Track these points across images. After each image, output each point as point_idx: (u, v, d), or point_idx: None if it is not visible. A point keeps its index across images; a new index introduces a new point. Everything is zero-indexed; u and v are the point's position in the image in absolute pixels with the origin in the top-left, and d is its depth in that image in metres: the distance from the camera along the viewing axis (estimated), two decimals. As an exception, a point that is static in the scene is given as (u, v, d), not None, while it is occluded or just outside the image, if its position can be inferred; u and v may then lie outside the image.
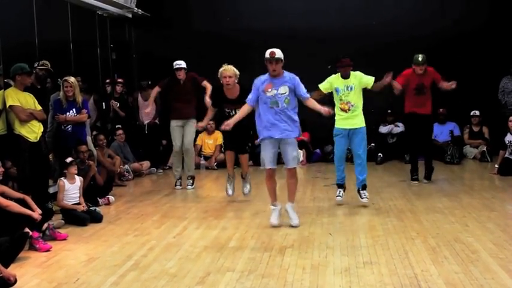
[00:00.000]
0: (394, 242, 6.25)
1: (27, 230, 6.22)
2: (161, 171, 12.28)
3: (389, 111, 12.96)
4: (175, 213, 8.09)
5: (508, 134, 10.70)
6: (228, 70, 8.31)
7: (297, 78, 7.06)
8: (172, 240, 6.66)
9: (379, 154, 12.50)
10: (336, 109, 8.02)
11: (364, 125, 8.06)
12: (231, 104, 8.31)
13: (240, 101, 7.93)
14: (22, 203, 6.53)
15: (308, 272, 5.37)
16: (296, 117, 7.09)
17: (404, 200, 8.58)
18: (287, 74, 7.05)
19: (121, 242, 6.66)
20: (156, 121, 12.42)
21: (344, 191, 8.39)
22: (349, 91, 7.96)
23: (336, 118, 8.08)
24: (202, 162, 12.58)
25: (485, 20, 12.82)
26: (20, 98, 7.74)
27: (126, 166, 11.29)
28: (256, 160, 10.67)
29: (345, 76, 8.03)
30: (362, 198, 8.12)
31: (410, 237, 6.43)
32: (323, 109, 6.98)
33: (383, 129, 12.99)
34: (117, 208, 8.68)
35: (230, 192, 8.88)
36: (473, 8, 12.94)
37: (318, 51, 12.84)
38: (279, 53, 6.94)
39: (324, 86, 8.16)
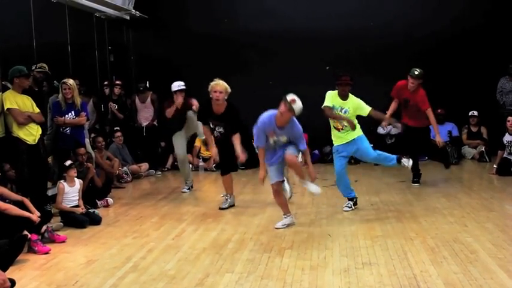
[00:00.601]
0: (393, 243, 6.25)
1: (25, 232, 6.21)
2: (160, 173, 12.27)
3: (387, 112, 12.93)
4: (174, 215, 8.09)
5: (507, 134, 10.72)
6: (220, 85, 8.16)
7: (300, 131, 7.00)
8: (171, 242, 6.66)
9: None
10: (331, 126, 7.93)
11: (361, 133, 7.84)
12: (216, 120, 8.28)
13: (224, 119, 8.16)
14: (21, 205, 6.52)
15: (307, 273, 5.37)
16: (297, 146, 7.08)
17: (403, 200, 8.59)
18: (291, 125, 6.90)
19: (120, 244, 6.66)
20: (155, 123, 12.40)
21: (354, 204, 8.04)
22: (343, 113, 7.75)
23: (332, 133, 7.98)
24: (201, 164, 12.57)
25: (483, 21, 12.81)
26: (18, 101, 7.73)
27: (125, 168, 11.29)
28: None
29: (343, 96, 7.78)
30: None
31: (409, 238, 6.43)
32: (311, 168, 7.21)
33: (382, 130, 12.98)
34: (115, 210, 8.67)
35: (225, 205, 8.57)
36: (471, 9, 12.94)
37: (315, 53, 12.84)
38: (298, 108, 6.72)
39: (327, 103, 7.85)
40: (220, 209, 8.34)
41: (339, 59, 12.89)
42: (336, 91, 7.87)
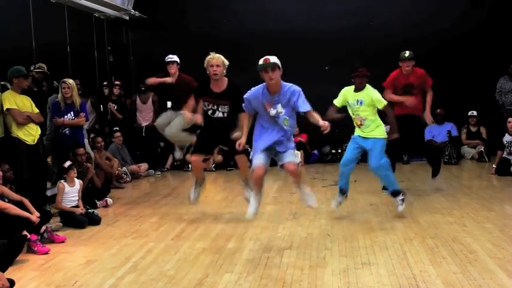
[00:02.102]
0: (392, 243, 6.25)
1: (25, 232, 6.22)
2: (159, 173, 12.27)
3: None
4: (174, 215, 8.09)
5: (507, 135, 10.71)
6: (216, 58, 7.29)
7: (297, 91, 6.17)
8: (171, 242, 6.66)
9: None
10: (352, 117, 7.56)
11: (382, 136, 7.44)
12: (214, 97, 7.31)
13: (225, 96, 7.26)
14: (20, 205, 6.53)
15: (306, 273, 5.37)
16: (292, 142, 6.41)
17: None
18: (286, 87, 6.20)
19: (119, 244, 6.66)
20: (154, 124, 12.40)
21: (343, 196, 7.75)
22: (359, 105, 7.37)
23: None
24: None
25: (482, 21, 12.82)
26: (17, 101, 7.74)
27: (124, 168, 11.29)
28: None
29: (359, 88, 7.39)
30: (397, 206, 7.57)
31: (408, 238, 6.44)
32: (322, 122, 6.11)
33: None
34: (115, 210, 8.67)
35: (193, 196, 7.93)
36: (470, 10, 12.95)
37: (315, 53, 12.85)
38: (274, 58, 6.13)
39: (338, 101, 7.55)
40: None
41: (338, 59, 12.90)
42: (352, 86, 7.52)
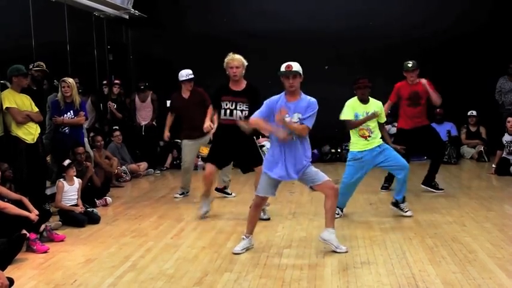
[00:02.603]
0: (391, 242, 6.26)
1: (24, 231, 6.22)
2: (158, 172, 12.27)
3: (388, 111, 12.95)
4: (173, 214, 8.09)
5: (506, 134, 10.73)
6: (236, 60, 7.33)
7: (314, 106, 5.91)
8: (170, 241, 6.66)
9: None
10: (353, 135, 7.34)
11: (382, 141, 7.38)
12: (232, 95, 7.37)
13: (244, 94, 7.33)
14: (19, 204, 6.52)
15: (306, 272, 5.37)
16: (309, 151, 6.04)
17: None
18: (305, 99, 5.97)
19: (118, 243, 6.65)
20: (154, 123, 12.42)
21: (341, 211, 7.59)
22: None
23: (352, 142, 7.40)
24: (200, 163, 12.56)
25: (482, 22, 12.82)
26: (16, 100, 7.73)
27: (124, 167, 11.29)
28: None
29: (364, 100, 7.32)
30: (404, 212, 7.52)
31: (407, 237, 6.44)
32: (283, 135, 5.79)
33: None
34: (114, 209, 8.67)
35: (203, 210, 7.81)
36: (470, 10, 12.95)
37: (314, 53, 12.82)
38: (296, 66, 5.96)
39: (348, 115, 7.32)
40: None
41: (338, 58, 12.91)
42: (355, 97, 7.41)
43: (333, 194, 5.99)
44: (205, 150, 12.62)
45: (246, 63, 7.45)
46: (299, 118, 5.84)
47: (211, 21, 13.54)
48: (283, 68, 5.97)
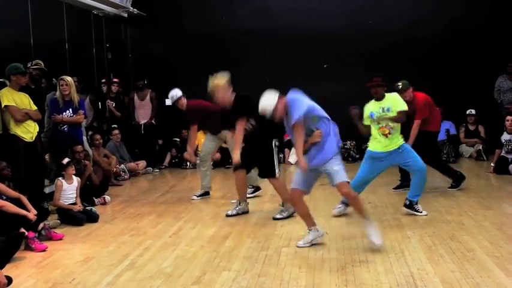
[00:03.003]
0: (390, 241, 6.25)
1: (22, 230, 6.21)
2: (157, 170, 12.27)
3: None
4: (171, 213, 8.09)
5: (505, 133, 10.73)
6: (210, 87, 7.53)
7: (294, 110, 5.95)
8: (168, 240, 6.66)
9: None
10: (373, 131, 7.34)
11: (402, 142, 7.35)
12: (231, 115, 7.55)
13: (237, 111, 7.41)
14: (18, 202, 6.51)
15: (304, 271, 5.37)
16: (329, 135, 6.06)
17: (400, 198, 8.57)
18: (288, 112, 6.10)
19: (117, 241, 6.65)
20: (152, 121, 12.42)
21: (346, 206, 7.54)
22: (386, 112, 7.22)
23: (372, 138, 7.40)
24: (199, 161, 12.54)
25: (481, 20, 12.81)
26: (15, 98, 7.72)
27: (122, 166, 11.29)
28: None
29: (379, 98, 7.31)
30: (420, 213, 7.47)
31: (406, 236, 6.44)
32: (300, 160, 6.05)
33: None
34: (113, 208, 8.67)
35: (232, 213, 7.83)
36: (470, 8, 12.94)
37: (313, 51, 12.84)
38: (269, 106, 6.05)
39: (365, 120, 7.39)
40: (274, 219, 7.48)
41: (337, 57, 12.90)
42: (372, 100, 7.43)
43: (347, 196, 6.27)
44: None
45: (222, 83, 7.43)
46: None
47: (210, 19, 13.53)
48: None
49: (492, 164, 10.79)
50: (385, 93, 7.37)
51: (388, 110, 7.24)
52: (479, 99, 12.61)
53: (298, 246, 6.14)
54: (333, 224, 7.13)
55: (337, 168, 6.03)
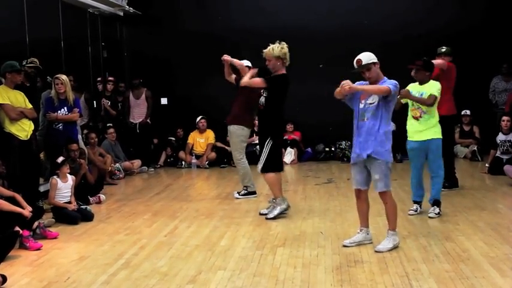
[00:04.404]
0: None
1: (17, 228, 6.20)
2: (152, 170, 12.26)
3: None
4: (167, 212, 8.08)
5: (500, 134, 10.76)
6: (265, 53, 7.49)
7: (394, 82, 5.86)
8: (164, 239, 6.65)
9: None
10: (408, 119, 7.42)
11: (438, 136, 7.28)
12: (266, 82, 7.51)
13: (267, 82, 7.42)
14: (12, 201, 6.50)
15: (299, 271, 5.37)
16: (385, 136, 5.89)
17: (395, 198, 8.51)
18: (386, 81, 5.91)
19: (112, 240, 6.64)
20: (148, 120, 12.41)
21: (420, 207, 7.55)
22: (419, 96, 7.27)
23: (407, 128, 7.44)
24: (194, 161, 12.56)
25: (476, 21, 12.85)
26: (10, 96, 7.70)
27: (117, 165, 11.27)
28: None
29: (421, 81, 7.32)
30: (429, 213, 7.40)
31: (401, 236, 6.43)
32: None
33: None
34: (108, 207, 8.65)
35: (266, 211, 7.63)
36: (465, 9, 12.98)
37: (309, 51, 12.83)
38: (365, 58, 5.96)
39: (402, 99, 7.41)
40: (267, 218, 7.43)
41: (332, 57, 12.90)
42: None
43: (384, 204, 6.16)
44: (198, 149, 12.66)
45: (276, 53, 7.41)
46: (378, 98, 5.82)
47: (206, 18, 13.52)
48: (354, 63, 6.01)
49: (487, 165, 10.82)
50: (430, 80, 7.36)
51: (421, 95, 7.29)
52: (474, 100, 12.63)
53: (344, 245, 6.08)
54: (328, 224, 7.14)
55: (377, 177, 5.95)
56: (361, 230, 6.23)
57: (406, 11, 13.12)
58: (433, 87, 7.29)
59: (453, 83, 8.84)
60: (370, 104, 5.87)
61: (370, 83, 5.92)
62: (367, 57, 5.94)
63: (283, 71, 7.47)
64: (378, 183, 5.97)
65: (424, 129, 7.29)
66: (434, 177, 7.48)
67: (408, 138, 7.47)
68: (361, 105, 5.94)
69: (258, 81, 7.47)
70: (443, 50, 8.93)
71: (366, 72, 5.91)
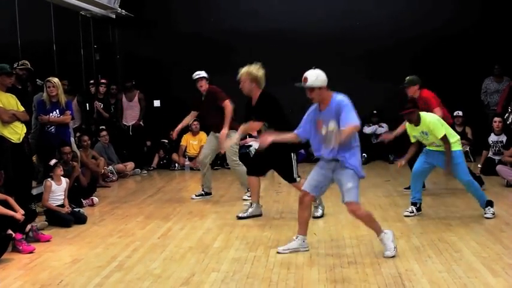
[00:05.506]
0: (378, 242, 6.24)
1: (10, 231, 6.18)
2: (145, 172, 12.25)
3: (374, 111, 13.03)
4: (160, 214, 8.07)
5: (492, 134, 10.81)
6: (241, 74, 7.40)
7: (344, 102, 5.60)
8: (157, 241, 6.64)
9: (364, 154, 12.50)
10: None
11: (457, 148, 7.24)
12: (251, 112, 7.41)
13: (256, 110, 7.32)
14: (5, 204, 6.47)
15: (293, 272, 5.38)
16: (356, 149, 5.75)
17: (388, 200, 8.63)
18: (334, 101, 5.68)
19: (105, 243, 6.63)
20: (141, 123, 12.39)
21: (417, 210, 7.54)
22: (426, 136, 7.30)
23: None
24: (187, 163, 12.56)
25: (468, 23, 12.90)
26: (1, 99, 7.66)
27: (110, 167, 11.26)
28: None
29: (416, 122, 7.30)
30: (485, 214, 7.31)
31: (394, 237, 6.45)
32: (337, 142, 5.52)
33: (367, 129, 13.04)
34: (101, 209, 8.64)
35: (244, 215, 7.68)
36: (457, 12, 13.02)
37: (302, 53, 12.84)
38: (311, 80, 5.70)
39: (412, 139, 7.57)
40: (238, 217, 7.60)
41: (325, 59, 12.89)
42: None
43: (355, 216, 5.93)
44: (191, 151, 12.65)
45: (253, 74, 7.35)
46: (335, 123, 5.59)
47: (198, 20, 13.52)
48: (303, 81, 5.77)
49: (479, 165, 10.86)
50: (420, 117, 7.30)
51: (426, 133, 7.27)
52: (466, 101, 12.67)
53: (278, 252, 5.97)
54: (321, 225, 7.15)
55: (351, 186, 5.72)
56: (297, 237, 6.05)
57: (399, 14, 13.14)
58: (431, 130, 7.19)
59: (436, 100, 8.82)
60: (332, 130, 5.61)
61: (318, 108, 5.79)
62: (314, 79, 5.70)
63: (259, 92, 7.43)
64: (351, 191, 5.71)
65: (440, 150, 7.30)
66: (467, 187, 7.43)
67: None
68: (323, 133, 5.72)
69: (256, 125, 7.36)
70: (408, 79, 8.89)
71: (308, 92, 5.73)
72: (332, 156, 5.71)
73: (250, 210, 7.71)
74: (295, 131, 6.03)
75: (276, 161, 7.40)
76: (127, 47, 14.01)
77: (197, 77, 8.92)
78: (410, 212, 7.51)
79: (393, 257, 5.70)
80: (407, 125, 7.54)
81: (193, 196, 9.13)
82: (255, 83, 7.38)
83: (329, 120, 5.63)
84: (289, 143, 6.48)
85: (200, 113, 9.30)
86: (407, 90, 8.89)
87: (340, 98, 5.67)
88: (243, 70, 7.42)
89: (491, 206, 7.32)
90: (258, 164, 7.67)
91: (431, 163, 7.52)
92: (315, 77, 5.71)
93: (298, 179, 7.44)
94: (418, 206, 7.57)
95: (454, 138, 7.31)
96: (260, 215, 7.72)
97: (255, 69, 7.39)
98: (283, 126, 6.73)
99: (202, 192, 9.14)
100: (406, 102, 7.52)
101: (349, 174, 5.71)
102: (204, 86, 8.88)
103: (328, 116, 5.65)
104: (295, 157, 7.48)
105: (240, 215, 7.67)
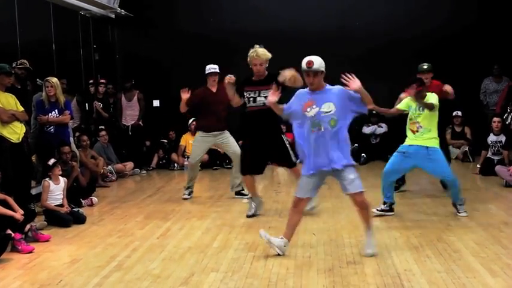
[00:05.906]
0: (377, 242, 6.27)
1: (9, 231, 6.18)
2: (144, 172, 12.25)
3: (373, 111, 13.01)
4: (159, 214, 8.07)
5: (491, 134, 10.82)
6: (259, 57, 7.37)
7: (347, 90, 5.70)
8: (156, 241, 6.64)
9: (363, 155, 12.55)
10: (406, 131, 7.49)
11: (436, 146, 7.29)
12: (257, 85, 7.41)
13: (265, 82, 7.23)
14: (4, 204, 6.48)
15: (292, 272, 5.38)
16: (345, 142, 5.77)
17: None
18: (331, 88, 5.76)
19: (104, 243, 6.63)
20: (140, 123, 12.39)
21: (389, 210, 7.59)
22: (420, 112, 7.32)
23: (407, 137, 7.51)
24: (186, 163, 12.54)
25: (467, 23, 12.91)
26: (1, 99, 7.67)
27: (110, 167, 11.26)
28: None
29: (423, 97, 7.31)
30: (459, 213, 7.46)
31: (393, 237, 6.47)
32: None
33: (366, 129, 13.05)
34: (100, 209, 8.64)
35: (251, 212, 7.75)
36: (456, 11, 13.03)
37: (302, 52, 12.74)
38: (317, 63, 5.69)
39: (401, 106, 7.57)
40: (248, 216, 7.66)
41: (326, 58, 12.90)
42: None
43: (361, 207, 5.88)
44: (190, 152, 12.64)
45: (269, 57, 7.43)
46: (335, 106, 5.63)
47: (198, 20, 13.53)
48: (303, 64, 5.74)
49: (478, 166, 10.87)
50: (428, 94, 7.40)
51: (422, 109, 7.32)
52: (466, 101, 12.65)
53: (260, 234, 5.94)
54: (320, 226, 7.15)
55: (353, 177, 5.73)
56: (281, 238, 5.96)
57: (398, 13, 13.17)
58: (433, 98, 7.32)
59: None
60: (326, 112, 5.63)
61: (311, 90, 5.76)
62: (319, 62, 5.70)
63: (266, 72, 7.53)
64: (354, 182, 5.72)
65: (418, 139, 7.33)
66: (449, 183, 7.57)
67: (404, 144, 7.49)
68: (311, 114, 5.67)
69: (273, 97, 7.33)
70: (425, 67, 8.84)
71: (312, 76, 5.68)
72: (332, 168, 5.70)
73: (253, 205, 7.75)
74: (284, 105, 5.99)
75: (271, 150, 7.47)
76: (126, 47, 14.02)
77: (213, 71, 8.94)
78: (379, 211, 7.52)
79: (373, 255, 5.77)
80: (408, 98, 7.50)
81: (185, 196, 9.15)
82: (267, 64, 7.50)
83: (324, 102, 5.64)
84: (278, 127, 7.18)
85: (208, 109, 8.93)
86: (423, 76, 8.59)
87: (339, 86, 5.74)
88: (260, 53, 7.38)
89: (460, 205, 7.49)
90: (254, 161, 7.60)
91: (410, 164, 7.47)
92: (320, 61, 5.74)
93: (297, 162, 7.42)
94: (389, 206, 7.59)
95: (435, 134, 7.32)
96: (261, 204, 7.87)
97: (265, 51, 7.47)
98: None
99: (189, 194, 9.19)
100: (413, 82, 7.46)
101: (347, 168, 5.75)
102: (216, 81, 8.89)
103: (323, 97, 5.67)
104: (287, 140, 7.55)
105: (249, 213, 7.70)
